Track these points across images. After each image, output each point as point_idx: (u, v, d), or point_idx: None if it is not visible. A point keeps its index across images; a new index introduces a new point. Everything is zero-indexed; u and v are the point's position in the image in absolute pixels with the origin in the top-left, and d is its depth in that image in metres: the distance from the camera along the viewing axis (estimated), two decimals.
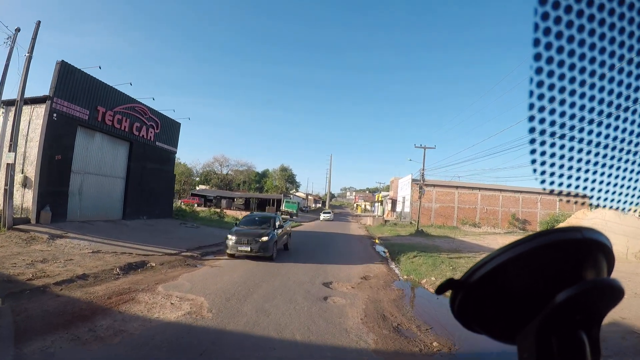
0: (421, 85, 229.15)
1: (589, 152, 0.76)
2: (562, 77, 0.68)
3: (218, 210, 34.46)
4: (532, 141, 0.72)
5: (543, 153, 0.73)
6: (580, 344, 0.54)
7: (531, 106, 0.69)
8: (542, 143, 0.72)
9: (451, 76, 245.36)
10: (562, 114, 0.71)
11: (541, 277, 0.57)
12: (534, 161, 0.73)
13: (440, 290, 0.60)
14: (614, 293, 0.56)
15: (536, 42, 0.64)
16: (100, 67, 14.99)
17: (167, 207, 20.63)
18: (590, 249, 0.58)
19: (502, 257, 0.56)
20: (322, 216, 47.47)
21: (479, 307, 0.60)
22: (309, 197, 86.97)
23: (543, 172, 0.74)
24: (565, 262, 0.57)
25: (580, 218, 22.75)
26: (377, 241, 21.11)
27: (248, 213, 42.75)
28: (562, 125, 0.72)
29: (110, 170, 17.07)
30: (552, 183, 0.75)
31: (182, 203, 45.29)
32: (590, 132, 0.75)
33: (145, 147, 18.63)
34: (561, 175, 0.75)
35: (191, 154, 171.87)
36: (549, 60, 0.66)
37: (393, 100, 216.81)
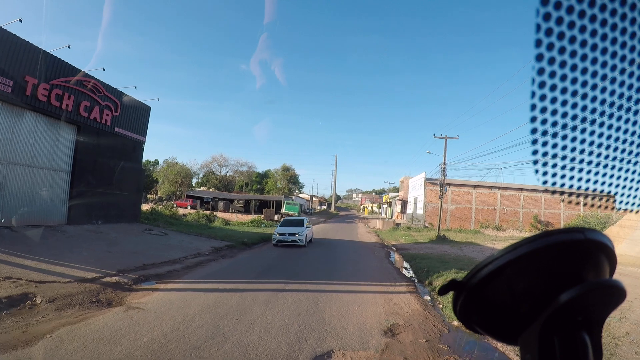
0: (425, 87, 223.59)
1: (590, 153, 0.76)
2: (563, 77, 0.68)
3: (208, 212, 30.56)
4: (534, 142, 0.72)
5: (545, 154, 0.73)
6: (583, 345, 0.54)
7: (533, 107, 0.69)
8: (544, 144, 0.72)
9: (458, 79, 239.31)
10: (564, 115, 0.71)
11: (543, 278, 0.56)
12: (536, 162, 0.73)
13: (442, 291, 0.60)
14: (616, 294, 0.55)
15: (538, 43, 0.64)
16: (20, 21, 11.11)
17: (132, 209, 16.69)
18: (593, 250, 0.57)
19: (504, 258, 0.55)
20: (278, 235, 15.23)
21: (482, 308, 0.59)
22: (314, 199, 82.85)
23: (545, 173, 0.74)
24: (568, 263, 0.56)
25: (635, 220, 18.76)
26: (392, 250, 16.94)
27: (247, 216, 38.93)
28: (564, 126, 0.72)
29: (49, 161, 13.20)
30: (554, 184, 0.75)
31: (175, 205, 41.96)
32: (592, 133, 0.75)
33: (99, 134, 14.73)
34: (563, 176, 0.75)
35: (192, 156, 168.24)
36: (551, 61, 0.66)
37: (398, 102, 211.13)
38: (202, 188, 61.24)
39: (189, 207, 39.75)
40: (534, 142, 0.72)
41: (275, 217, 35.37)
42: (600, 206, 0.82)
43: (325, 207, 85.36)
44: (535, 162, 0.73)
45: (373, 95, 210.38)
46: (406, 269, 11.73)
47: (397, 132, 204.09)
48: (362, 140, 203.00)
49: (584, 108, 0.71)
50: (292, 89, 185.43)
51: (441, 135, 22.52)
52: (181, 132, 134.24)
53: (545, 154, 0.72)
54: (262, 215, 33.05)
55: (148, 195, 58.79)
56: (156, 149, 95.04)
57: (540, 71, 0.65)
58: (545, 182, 0.74)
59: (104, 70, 14.22)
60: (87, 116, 14.14)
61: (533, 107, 0.68)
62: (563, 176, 0.75)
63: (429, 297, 7.72)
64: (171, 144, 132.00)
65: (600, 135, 0.75)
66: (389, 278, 9.39)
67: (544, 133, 0.71)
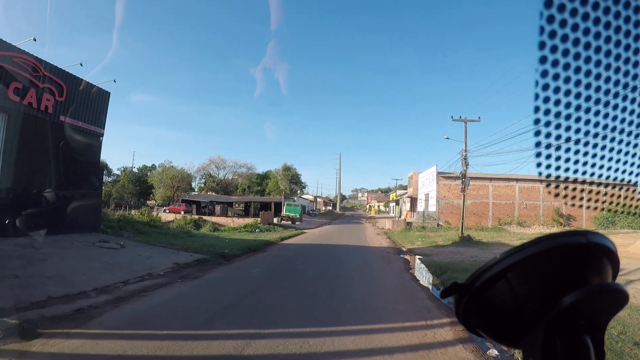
0: (427, 85, 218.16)
1: (595, 146, 0.75)
2: (566, 66, 0.67)
3: (197, 217, 27.58)
4: (537, 133, 0.71)
5: (548, 146, 0.72)
6: (585, 348, 0.53)
7: (536, 96, 0.68)
8: (548, 135, 0.71)
9: (459, 76, 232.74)
10: (568, 105, 0.71)
11: (546, 281, 0.56)
12: (539, 154, 0.72)
13: (444, 294, 0.59)
14: (619, 298, 0.55)
15: (542, 45, 0.64)
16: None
17: (89, 215, 13.68)
18: (595, 253, 0.56)
19: (507, 260, 0.55)
20: None
21: (484, 311, 0.59)
22: (318, 199, 79.71)
23: (549, 166, 0.73)
24: (570, 266, 0.56)
25: None
26: (410, 256, 13.72)
27: (245, 220, 35.69)
28: (568, 117, 0.72)
29: None
30: (558, 177, 0.75)
31: (167, 210, 39.38)
32: (596, 125, 0.74)
33: (37, 123, 11.73)
34: (567, 170, 0.74)
35: (194, 161, 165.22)
36: (553, 49, 0.65)
37: (400, 100, 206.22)
38: (202, 192, 58.42)
39: (182, 212, 36.85)
40: (537, 133, 0.71)
41: (275, 220, 32.29)
42: (626, 197, 0.81)
43: (330, 208, 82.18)
44: (539, 155, 0.72)
45: (374, 94, 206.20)
46: (437, 287, 8.52)
47: (400, 130, 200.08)
48: (365, 138, 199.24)
49: (588, 98, 0.70)
50: (293, 89, 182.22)
51: (460, 117, 19.23)
52: (182, 137, 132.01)
53: (548, 146, 0.72)
54: (259, 219, 29.94)
55: (147, 202, 56.17)
56: (154, 153, 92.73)
57: (543, 59, 0.65)
58: (549, 176, 0.73)
59: (35, 40, 11.18)
60: (19, 101, 11.16)
61: (537, 96, 0.68)
62: (567, 170, 0.74)
63: (496, 352, 4.52)
64: (171, 149, 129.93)
65: (605, 126, 0.74)
66: (420, 310, 6.17)
67: (548, 124, 0.71)
